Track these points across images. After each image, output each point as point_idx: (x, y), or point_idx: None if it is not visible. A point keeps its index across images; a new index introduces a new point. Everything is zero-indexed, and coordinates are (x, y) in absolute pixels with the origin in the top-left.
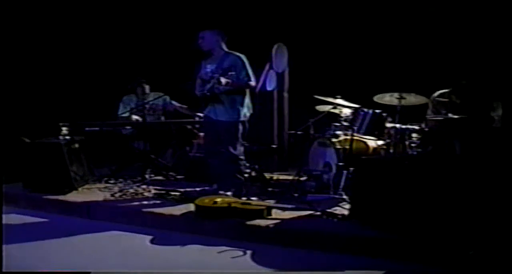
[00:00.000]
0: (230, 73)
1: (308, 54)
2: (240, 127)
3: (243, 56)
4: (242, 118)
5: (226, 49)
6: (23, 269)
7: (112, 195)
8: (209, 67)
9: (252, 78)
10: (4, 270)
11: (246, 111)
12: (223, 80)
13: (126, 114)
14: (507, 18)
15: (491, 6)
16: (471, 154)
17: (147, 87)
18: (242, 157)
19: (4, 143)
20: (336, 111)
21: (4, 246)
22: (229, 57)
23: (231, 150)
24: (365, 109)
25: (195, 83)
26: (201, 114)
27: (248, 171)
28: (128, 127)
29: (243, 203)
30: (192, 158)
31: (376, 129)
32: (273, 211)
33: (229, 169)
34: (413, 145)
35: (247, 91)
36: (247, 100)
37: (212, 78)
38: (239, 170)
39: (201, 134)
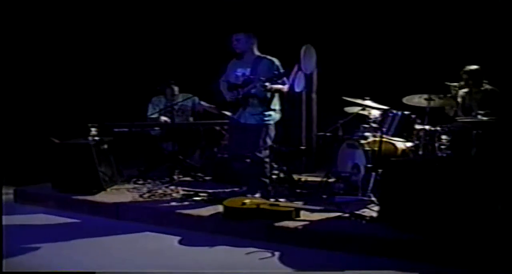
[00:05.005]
0: (274, 78)
1: (336, 55)
2: (269, 130)
3: (276, 60)
4: (271, 122)
5: (258, 53)
6: (46, 269)
7: (140, 196)
8: (240, 71)
9: (286, 81)
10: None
11: (276, 114)
12: (268, 86)
13: (155, 116)
14: None
15: None
16: (503, 157)
17: (176, 89)
18: (267, 160)
19: (34, 144)
20: (365, 112)
21: (30, 245)
22: (262, 62)
23: (257, 153)
24: (394, 111)
25: (219, 83)
26: (229, 114)
27: (276, 172)
28: (157, 128)
29: (271, 204)
30: (220, 159)
31: (405, 131)
32: (302, 212)
33: (254, 172)
34: (442, 146)
35: (277, 94)
36: (277, 103)
37: (247, 83)
38: (264, 173)
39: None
